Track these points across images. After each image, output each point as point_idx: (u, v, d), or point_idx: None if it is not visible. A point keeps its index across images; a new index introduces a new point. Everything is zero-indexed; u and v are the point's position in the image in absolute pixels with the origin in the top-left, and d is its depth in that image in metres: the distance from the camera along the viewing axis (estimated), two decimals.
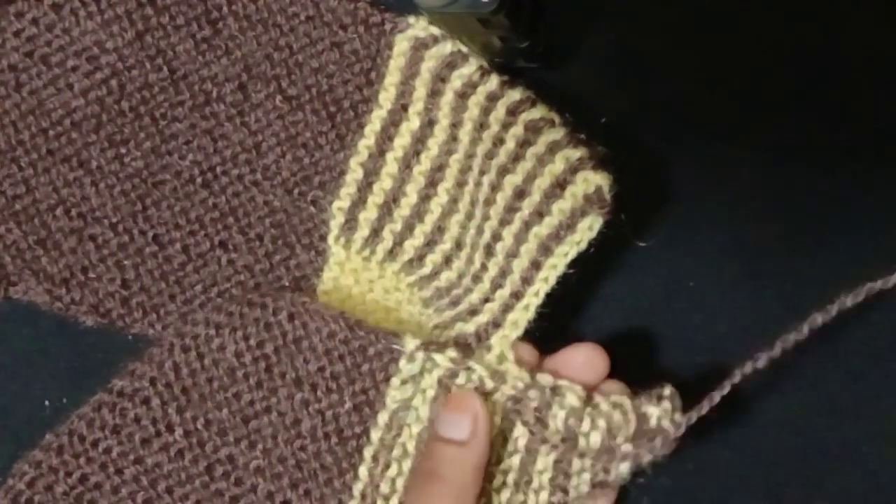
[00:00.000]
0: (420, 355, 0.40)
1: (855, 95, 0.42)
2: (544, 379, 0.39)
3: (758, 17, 0.43)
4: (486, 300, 0.40)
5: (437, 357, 0.39)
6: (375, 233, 0.43)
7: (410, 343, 0.40)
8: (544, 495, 0.39)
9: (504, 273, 0.40)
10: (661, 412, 0.38)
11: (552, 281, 0.39)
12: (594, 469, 0.38)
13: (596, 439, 0.38)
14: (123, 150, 0.43)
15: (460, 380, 0.39)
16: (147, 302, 0.43)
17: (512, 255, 0.40)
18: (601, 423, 0.38)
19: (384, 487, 0.40)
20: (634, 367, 0.40)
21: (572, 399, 0.38)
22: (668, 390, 0.39)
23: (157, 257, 0.43)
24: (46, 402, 0.44)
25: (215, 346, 0.41)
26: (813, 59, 0.42)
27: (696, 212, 0.43)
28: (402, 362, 0.40)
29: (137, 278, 0.43)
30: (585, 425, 0.38)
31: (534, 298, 0.40)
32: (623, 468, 0.38)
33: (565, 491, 0.39)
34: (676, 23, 0.43)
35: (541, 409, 0.38)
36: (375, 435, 0.40)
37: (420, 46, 0.42)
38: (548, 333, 0.41)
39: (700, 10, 0.43)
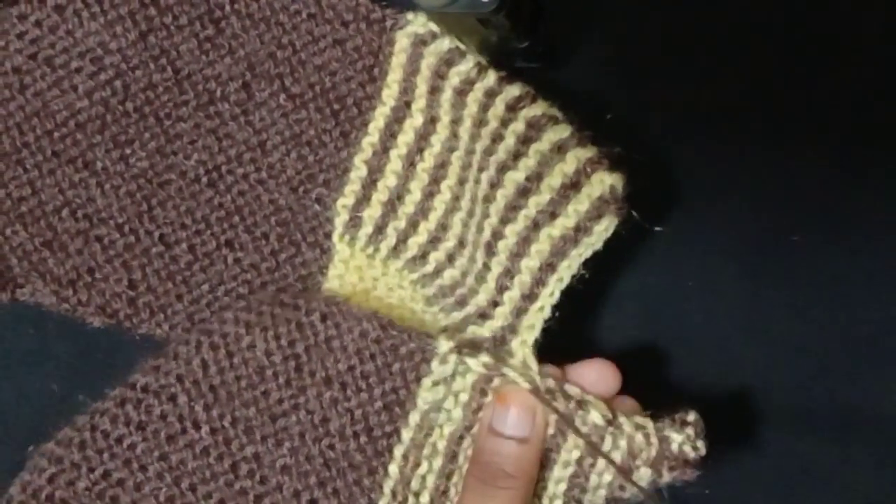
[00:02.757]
0: (453, 358, 0.40)
1: (857, 95, 0.43)
2: (571, 390, 0.40)
3: (758, 17, 0.44)
4: (496, 303, 0.41)
5: (471, 362, 0.40)
6: (380, 230, 0.44)
7: (444, 345, 0.40)
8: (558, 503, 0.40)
9: (510, 273, 0.40)
10: (684, 438, 0.39)
11: (566, 282, 0.40)
12: (611, 487, 0.39)
13: (615, 459, 0.39)
14: (128, 151, 0.44)
15: (495, 384, 0.40)
16: (154, 302, 0.44)
17: (518, 254, 0.40)
18: (622, 443, 0.39)
19: (414, 484, 0.41)
20: (633, 368, 0.41)
21: (596, 416, 0.39)
22: (692, 416, 0.39)
23: (163, 257, 0.44)
24: (54, 387, 0.45)
25: (245, 345, 0.41)
26: (814, 58, 0.43)
27: (696, 212, 0.44)
28: (435, 364, 0.40)
29: (144, 278, 0.44)
30: (606, 444, 0.39)
31: (549, 300, 0.40)
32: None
33: (579, 503, 0.40)
34: (676, 22, 0.44)
35: (562, 422, 0.39)
36: (406, 434, 0.41)
37: (419, 43, 0.43)
38: (545, 333, 0.41)
39: (700, 10, 0.44)
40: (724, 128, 0.44)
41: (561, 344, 0.41)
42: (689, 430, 0.39)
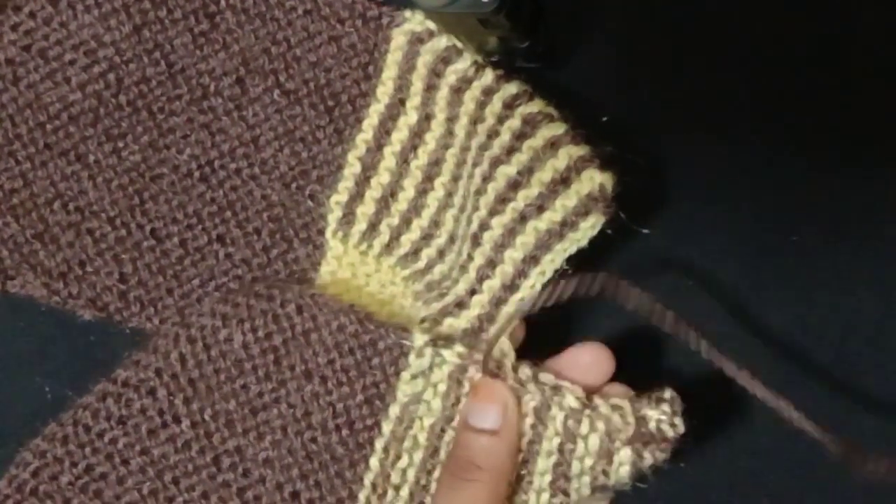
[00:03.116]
0: (429, 351, 0.41)
1: (857, 95, 0.43)
2: (546, 377, 0.40)
3: (758, 17, 0.44)
4: (473, 292, 0.41)
5: (446, 353, 0.40)
6: (373, 227, 0.44)
7: (419, 339, 0.41)
8: (545, 496, 0.40)
9: (493, 263, 0.41)
10: (661, 415, 0.39)
11: (549, 276, 0.40)
12: (594, 472, 0.39)
13: (594, 442, 0.39)
14: (121, 144, 0.44)
15: (470, 373, 0.40)
16: (145, 296, 0.44)
17: (503, 245, 0.40)
18: (600, 425, 0.39)
19: (395, 477, 0.41)
20: (633, 368, 0.41)
21: (571, 400, 0.39)
22: (668, 393, 0.39)
23: (154, 251, 0.44)
24: (47, 390, 0.45)
25: (222, 338, 0.42)
26: (814, 57, 0.43)
27: (696, 212, 0.44)
28: (412, 357, 0.41)
29: (135, 272, 0.44)
30: (584, 428, 0.39)
31: (529, 291, 0.40)
32: (623, 472, 0.39)
33: (566, 493, 0.40)
34: (676, 22, 0.44)
35: (540, 410, 0.40)
36: (387, 427, 0.41)
37: (416, 41, 0.43)
38: (545, 333, 0.41)
39: (700, 10, 0.44)
40: (724, 128, 0.44)
41: (557, 344, 0.41)
42: (666, 408, 0.39)
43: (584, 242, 0.40)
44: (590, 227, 0.40)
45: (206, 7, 0.44)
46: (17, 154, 0.44)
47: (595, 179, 0.40)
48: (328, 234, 0.44)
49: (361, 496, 0.41)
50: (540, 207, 0.40)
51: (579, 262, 0.40)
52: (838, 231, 0.43)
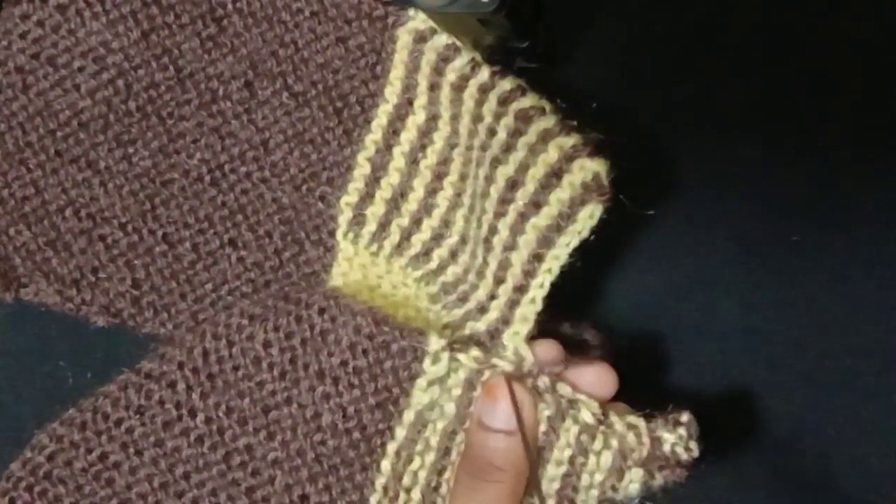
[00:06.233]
0: (445, 355, 0.40)
1: (858, 95, 0.44)
2: (563, 389, 0.40)
3: (758, 17, 0.44)
4: (492, 297, 0.41)
5: (462, 357, 0.40)
6: (383, 227, 0.44)
7: (435, 343, 0.41)
8: (551, 503, 0.40)
9: (504, 267, 0.41)
10: (677, 439, 0.39)
11: (556, 272, 0.40)
12: (602, 487, 0.40)
13: (607, 459, 0.39)
14: (131, 150, 0.45)
15: (485, 377, 0.40)
16: (158, 301, 0.45)
17: (510, 247, 0.40)
18: (614, 443, 0.39)
19: (406, 480, 0.42)
20: (633, 368, 0.41)
21: (587, 415, 0.39)
22: (685, 416, 0.39)
23: (166, 256, 0.45)
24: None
25: (245, 336, 0.42)
26: (815, 57, 0.44)
27: (695, 211, 0.44)
28: (427, 363, 0.41)
29: (148, 278, 0.45)
30: (597, 444, 0.39)
31: (539, 290, 0.40)
32: (632, 489, 0.40)
33: (573, 502, 0.40)
34: (676, 22, 0.45)
35: (554, 420, 0.40)
36: (400, 432, 0.41)
37: (420, 39, 0.43)
38: (544, 333, 0.41)
39: (700, 10, 0.44)
40: (724, 128, 0.44)
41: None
42: (682, 431, 0.39)
43: (584, 233, 0.39)
44: (588, 217, 0.39)
45: (213, 11, 0.45)
46: (29, 162, 0.45)
47: (587, 168, 0.39)
48: (339, 235, 0.45)
49: (373, 500, 0.42)
50: (536, 204, 0.39)
51: (584, 264, 0.40)
52: (838, 231, 0.43)
